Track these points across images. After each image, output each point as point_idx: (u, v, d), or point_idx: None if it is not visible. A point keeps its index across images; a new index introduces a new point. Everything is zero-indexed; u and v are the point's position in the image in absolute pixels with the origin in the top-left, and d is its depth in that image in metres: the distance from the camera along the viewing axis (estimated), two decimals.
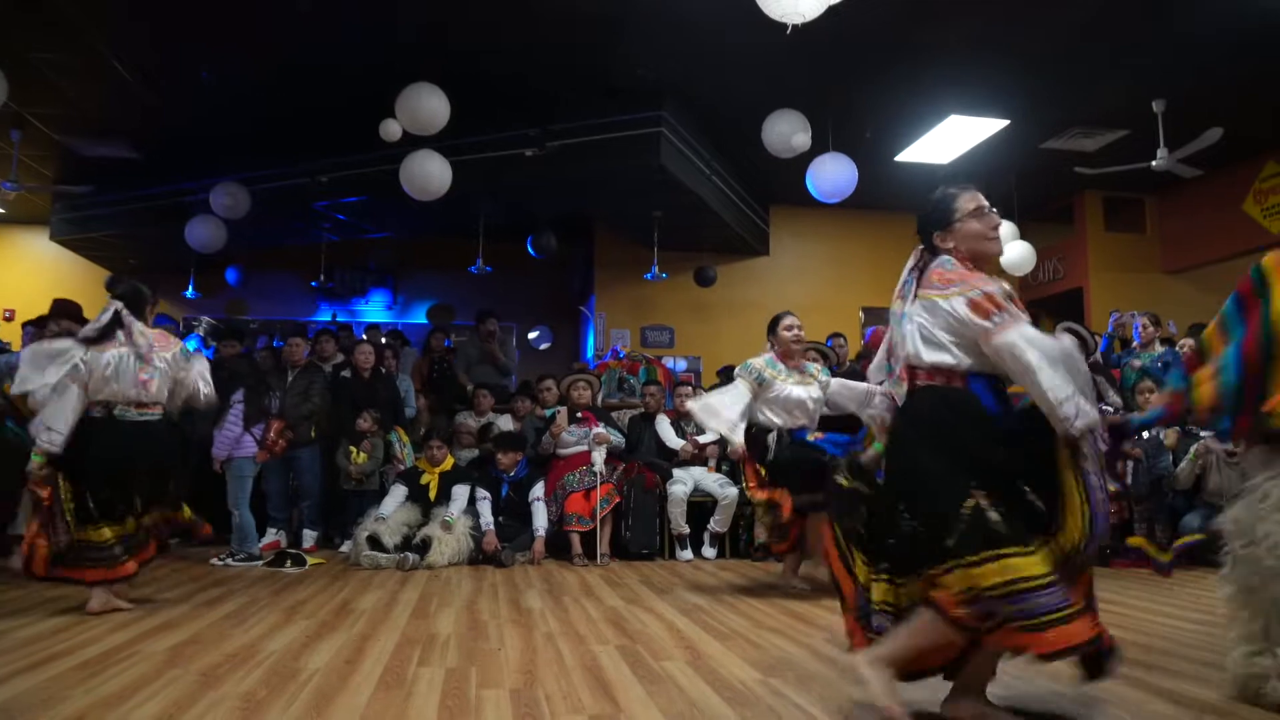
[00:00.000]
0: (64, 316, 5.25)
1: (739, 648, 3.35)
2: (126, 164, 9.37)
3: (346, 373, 7.40)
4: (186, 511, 4.54)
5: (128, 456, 4.19)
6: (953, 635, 2.25)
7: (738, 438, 4.74)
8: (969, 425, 2.34)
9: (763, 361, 4.95)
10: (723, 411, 4.74)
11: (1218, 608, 4.22)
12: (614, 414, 7.67)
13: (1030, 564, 2.14)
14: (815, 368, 5.11)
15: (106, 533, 4.12)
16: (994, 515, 2.19)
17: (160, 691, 2.69)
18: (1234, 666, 2.58)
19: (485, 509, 6.36)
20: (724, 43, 7.01)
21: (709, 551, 6.67)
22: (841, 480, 2.56)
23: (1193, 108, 7.94)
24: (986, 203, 2.60)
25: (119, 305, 4.29)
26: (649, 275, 10.33)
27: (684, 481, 6.68)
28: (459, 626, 3.81)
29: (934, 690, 2.45)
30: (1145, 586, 5.01)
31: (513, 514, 6.53)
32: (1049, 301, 11.69)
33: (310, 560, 6.05)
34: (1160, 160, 8.11)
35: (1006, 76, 7.71)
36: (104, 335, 4.20)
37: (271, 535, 6.96)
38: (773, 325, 5.11)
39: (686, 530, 6.59)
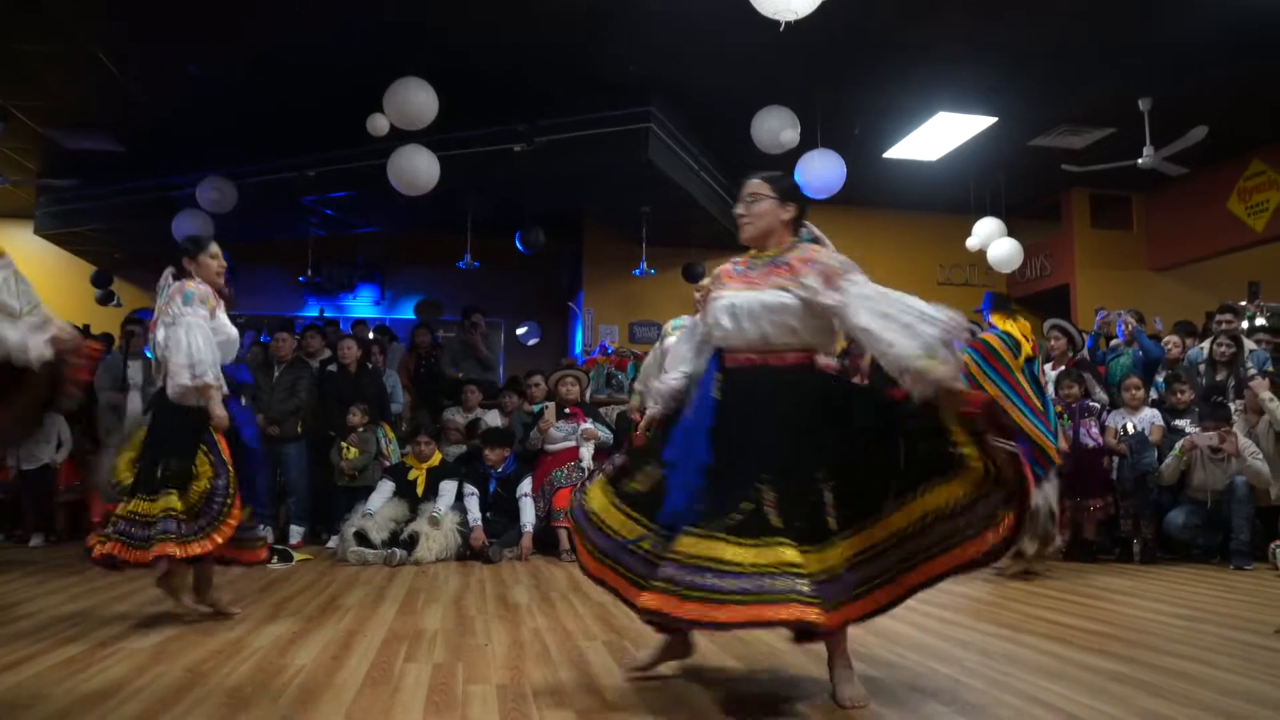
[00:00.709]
0: None
1: (726, 643, 3.35)
2: (112, 157, 9.31)
3: (333, 367, 7.38)
4: None
5: None
6: None
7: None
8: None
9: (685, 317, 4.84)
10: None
11: (1201, 602, 4.27)
12: (602, 409, 7.66)
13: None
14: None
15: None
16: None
17: (145, 688, 2.67)
18: None
19: (473, 505, 6.36)
20: (713, 39, 7.01)
21: None
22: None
23: (1178, 106, 7.98)
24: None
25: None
26: (637, 271, 10.33)
27: None
28: (446, 622, 3.80)
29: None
30: (1132, 581, 5.04)
31: (500, 510, 6.53)
32: (1036, 298, 11.75)
33: (297, 556, 6.03)
34: (1146, 158, 8.16)
35: (995, 74, 7.74)
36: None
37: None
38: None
39: None
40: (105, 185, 9.67)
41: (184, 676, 2.81)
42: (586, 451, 6.55)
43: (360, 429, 6.90)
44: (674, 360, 2.94)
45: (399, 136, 7.21)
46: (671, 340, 4.52)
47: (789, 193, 2.87)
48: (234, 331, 4.08)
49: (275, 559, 5.86)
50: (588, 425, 6.72)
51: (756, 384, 2.59)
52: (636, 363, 9.44)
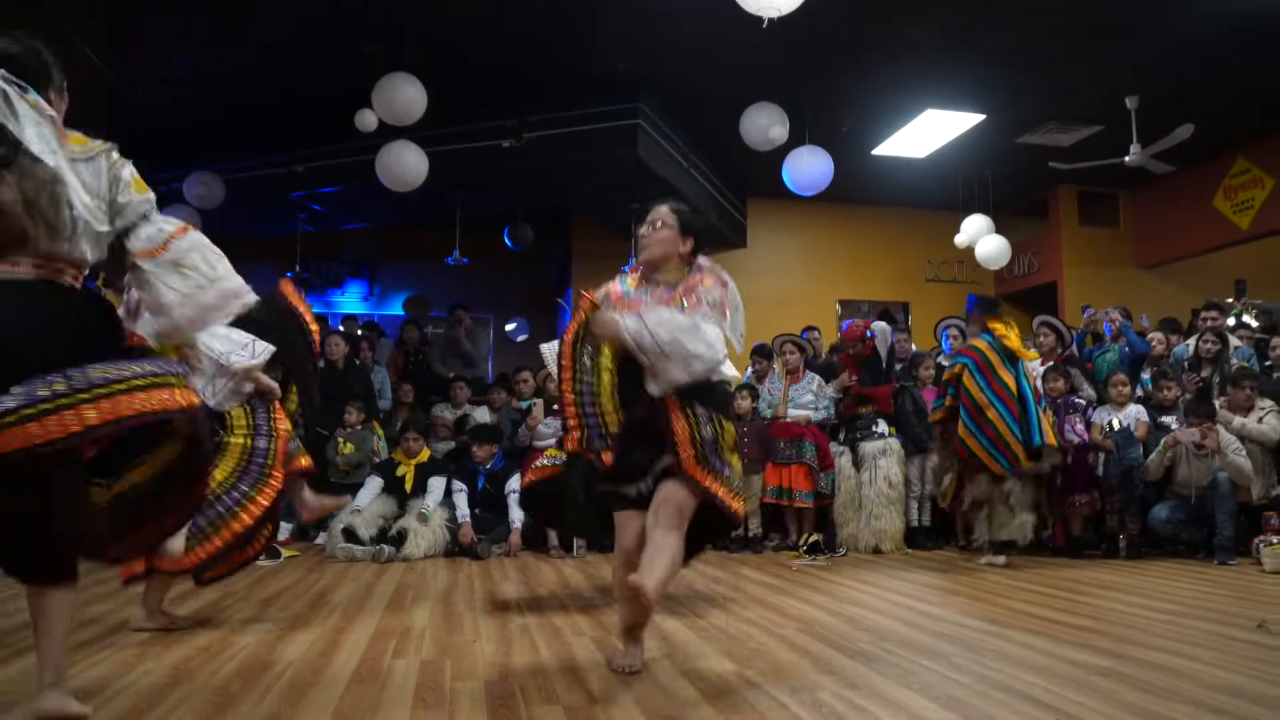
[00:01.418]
0: None
1: (714, 639, 3.37)
2: None
3: (320, 363, 7.35)
4: None
5: None
6: None
7: None
8: None
9: None
10: None
11: (1184, 597, 4.30)
12: None
13: None
14: None
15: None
16: None
17: (131, 685, 2.66)
18: None
19: (461, 501, 6.35)
20: (702, 35, 7.01)
21: None
22: None
23: (1165, 105, 8.02)
24: (655, 218, 3.12)
25: None
26: (626, 267, 10.29)
27: None
28: (434, 619, 3.80)
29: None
30: (1117, 576, 5.08)
31: (489, 506, 6.52)
32: (1023, 295, 11.79)
33: (285, 553, 6.01)
34: (1133, 156, 8.19)
35: (983, 71, 7.76)
36: None
37: None
38: None
39: None
40: None
41: (170, 674, 2.81)
42: None
43: (357, 426, 6.89)
44: None
45: (388, 132, 7.18)
46: None
47: (689, 227, 3.12)
48: None
49: (263, 556, 5.83)
50: None
51: None
52: None
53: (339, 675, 2.80)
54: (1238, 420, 5.95)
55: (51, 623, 2.16)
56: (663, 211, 3.09)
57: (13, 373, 2.00)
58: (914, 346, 7.83)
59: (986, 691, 2.59)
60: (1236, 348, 6.93)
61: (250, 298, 2.56)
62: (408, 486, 6.36)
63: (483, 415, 7.44)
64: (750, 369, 7.36)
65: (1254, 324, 8.14)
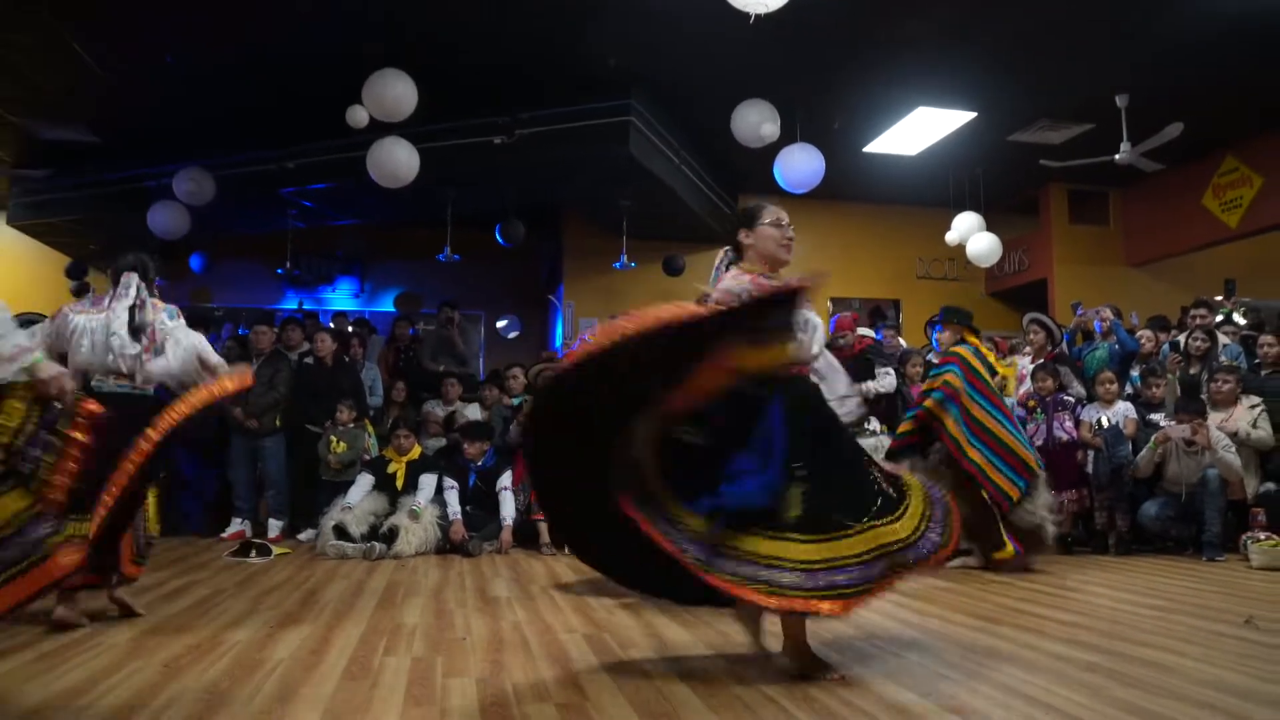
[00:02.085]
0: None
1: (705, 635, 3.37)
2: (86, 147, 9.20)
3: (309, 360, 7.35)
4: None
5: None
6: None
7: None
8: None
9: None
10: None
11: (1173, 593, 4.32)
12: None
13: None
14: None
15: None
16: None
17: (121, 684, 2.65)
18: None
19: (452, 498, 6.35)
20: (694, 32, 7.00)
21: None
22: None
23: (1155, 103, 8.05)
24: (787, 220, 3.21)
25: (138, 279, 4.07)
26: (618, 264, 10.32)
27: None
28: (426, 616, 3.80)
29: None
30: (1106, 573, 5.10)
31: (480, 503, 6.52)
32: (1014, 293, 11.84)
33: (276, 550, 6.00)
34: (1123, 154, 8.22)
35: (974, 69, 7.78)
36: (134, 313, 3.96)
37: (236, 525, 6.92)
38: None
39: None
40: (80, 176, 9.56)
41: (160, 672, 2.80)
42: None
43: (349, 425, 6.88)
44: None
45: (379, 128, 7.16)
46: None
47: None
48: None
49: (254, 553, 5.84)
50: None
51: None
52: None
53: (330, 673, 2.80)
54: (1232, 427, 5.97)
55: None
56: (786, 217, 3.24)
57: None
58: (903, 343, 7.85)
59: (976, 688, 2.61)
60: (1225, 345, 6.97)
61: None
62: (399, 484, 6.35)
63: (474, 412, 7.43)
64: None
65: (1242, 321, 8.18)
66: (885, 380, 6.58)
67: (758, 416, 2.70)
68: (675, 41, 7.23)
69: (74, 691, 2.56)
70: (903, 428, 5.54)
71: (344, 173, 8.30)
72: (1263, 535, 5.35)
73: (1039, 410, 6.21)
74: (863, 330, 7.04)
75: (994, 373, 5.52)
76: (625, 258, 10.26)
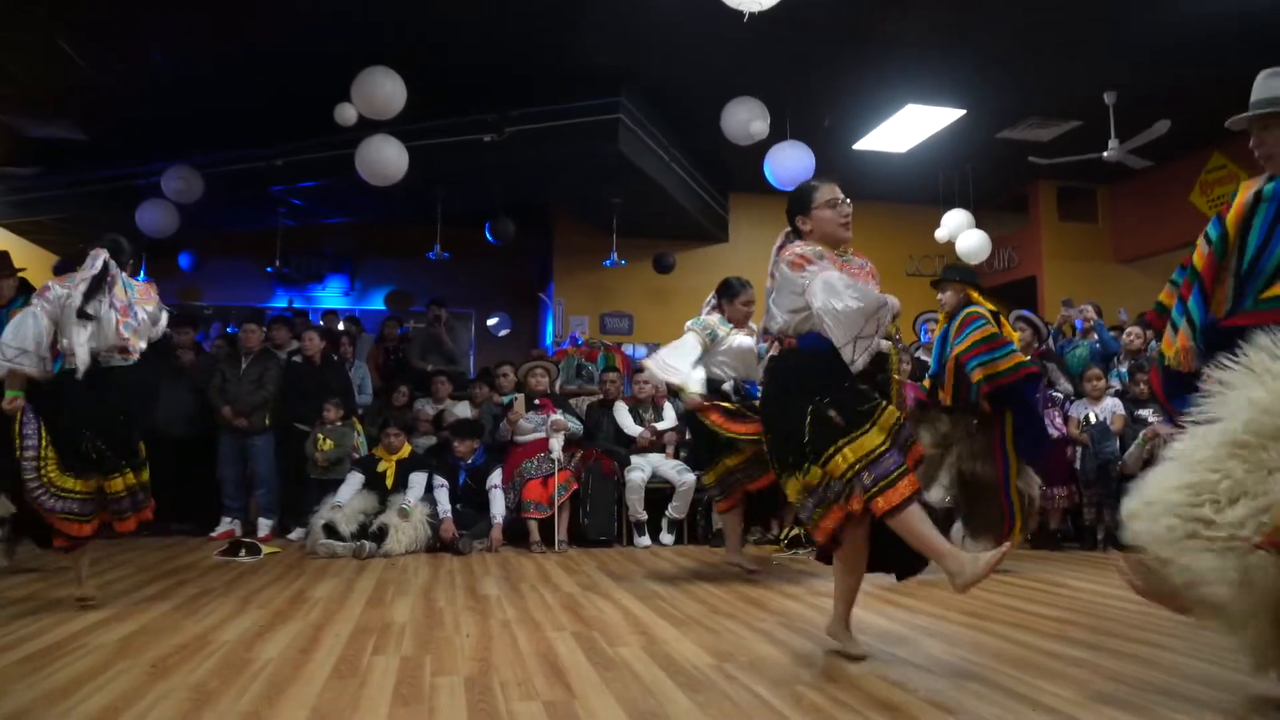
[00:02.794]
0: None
1: (694, 633, 3.38)
2: (74, 145, 9.15)
3: (298, 358, 7.33)
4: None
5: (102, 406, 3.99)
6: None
7: (694, 386, 4.70)
8: (816, 373, 2.97)
9: (716, 319, 4.93)
10: (677, 363, 4.68)
11: None
12: (572, 401, 7.67)
13: (870, 439, 2.82)
14: (753, 325, 5.10)
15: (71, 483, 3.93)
16: (832, 414, 2.85)
17: (108, 684, 2.64)
18: None
19: (443, 496, 6.34)
20: (683, 29, 7.00)
21: (666, 538, 6.70)
22: None
23: (1143, 101, 8.07)
24: (841, 194, 3.21)
25: (106, 255, 4.08)
26: (608, 262, 10.32)
27: (642, 468, 6.70)
28: (415, 614, 3.79)
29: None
30: (1095, 568, 5.13)
31: (470, 501, 6.52)
32: (1004, 289, 11.85)
33: (265, 549, 5.98)
34: (1111, 151, 8.25)
35: (963, 67, 7.79)
36: (95, 286, 3.99)
37: (226, 524, 6.90)
38: (729, 294, 5.00)
39: (644, 517, 6.62)
40: (68, 174, 9.52)
41: (148, 672, 2.79)
42: (556, 443, 6.54)
43: (336, 423, 6.86)
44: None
45: (368, 126, 7.15)
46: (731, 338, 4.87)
47: None
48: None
49: (243, 552, 5.82)
50: (557, 416, 6.71)
51: None
52: (607, 353, 9.44)
53: (318, 672, 2.80)
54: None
55: None
56: (840, 190, 3.26)
57: None
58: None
59: (962, 683, 2.62)
60: None
61: None
62: (389, 482, 6.33)
63: (463, 410, 7.42)
64: None
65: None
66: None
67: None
68: (665, 39, 7.23)
69: (59, 693, 2.55)
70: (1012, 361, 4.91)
71: (333, 171, 8.27)
72: None
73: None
74: None
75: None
76: (615, 255, 10.26)
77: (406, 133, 7.35)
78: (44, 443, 3.88)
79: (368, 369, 8.26)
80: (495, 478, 6.54)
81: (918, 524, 2.75)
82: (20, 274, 5.08)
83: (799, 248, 3.08)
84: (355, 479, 6.36)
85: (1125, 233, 11.35)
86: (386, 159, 7.22)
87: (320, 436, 6.77)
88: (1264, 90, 2.99)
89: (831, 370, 2.92)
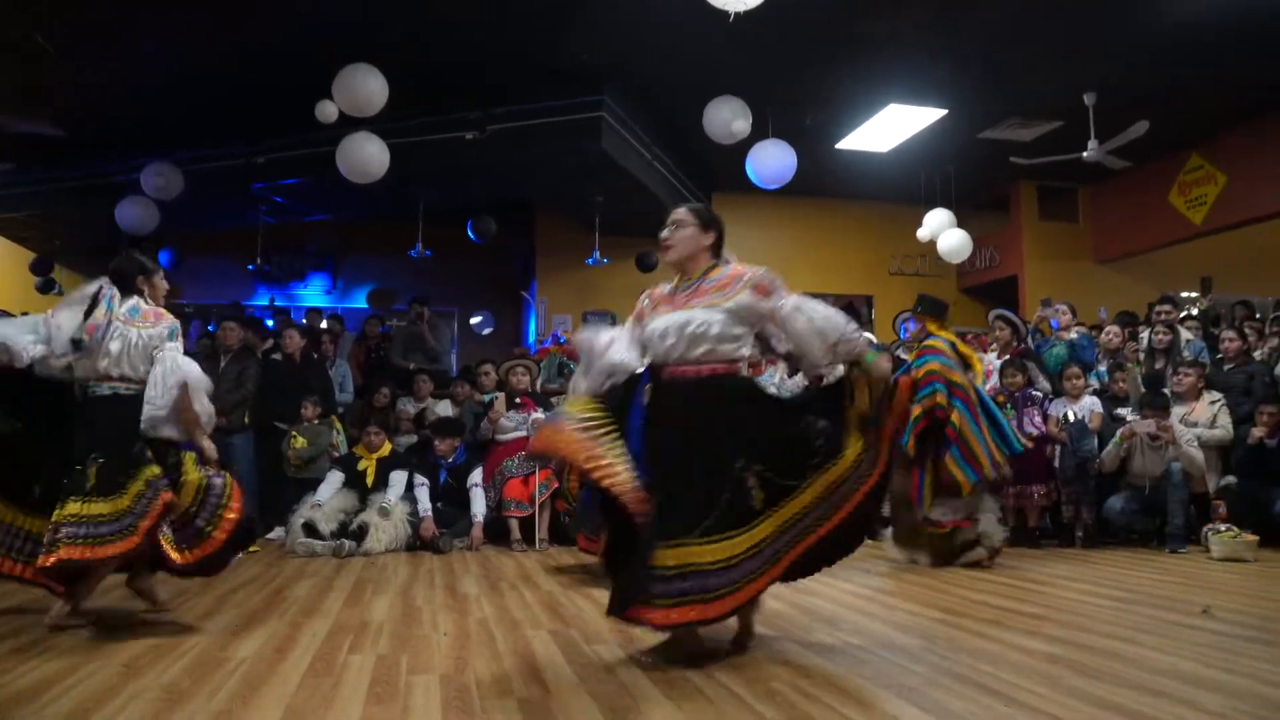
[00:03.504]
0: None
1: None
2: (50, 141, 9.07)
3: (277, 356, 7.29)
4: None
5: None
6: None
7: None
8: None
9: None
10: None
11: (1134, 584, 4.38)
12: (553, 399, 7.64)
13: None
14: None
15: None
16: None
17: (77, 685, 2.62)
18: None
19: (423, 495, 6.32)
20: (666, 28, 7.01)
21: None
22: None
23: (1122, 102, 8.14)
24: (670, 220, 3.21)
25: (103, 283, 3.79)
26: (591, 260, 10.31)
27: None
28: (393, 613, 3.78)
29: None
30: (1071, 565, 5.16)
31: (451, 500, 6.50)
32: (985, 289, 11.94)
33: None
34: (1091, 151, 8.31)
35: (945, 67, 7.83)
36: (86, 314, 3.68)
37: None
38: None
39: None
40: (44, 170, 9.43)
41: (119, 673, 2.77)
42: None
43: (313, 421, 6.83)
44: (614, 346, 3.14)
45: (349, 123, 7.11)
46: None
47: (710, 222, 3.21)
48: None
49: None
50: (538, 415, 6.70)
51: (682, 393, 2.95)
52: None
53: (293, 671, 2.78)
54: (1192, 433, 6.04)
55: None
56: (680, 213, 3.22)
57: None
58: (873, 339, 7.89)
59: (936, 679, 2.63)
60: (1189, 341, 7.06)
61: None
62: (369, 481, 6.31)
63: (445, 409, 7.40)
64: None
65: (1193, 311, 8.38)
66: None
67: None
68: (648, 38, 7.23)
69: (29, 694, 2.53)
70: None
71: (315, 168, 8.22)
72: (1223, 527, 5.43)
73: (1009, 405, 6.26)
74: None
75: (968, 366, 5.43)
76: (598, 254, 10.25)
77: (388, 130, 7.32)
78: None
79: (349, 367, 8.22)
80: (476, 476, 6.53)
81: None
82: None
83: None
84: (335, 477, 6.33)
85: (1105, 232, 11.44)
86: (368, 156, 7.19)
87: (294, 435, 6.73)
88: None
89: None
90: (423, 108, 7.86)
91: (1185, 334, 7.16)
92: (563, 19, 6.90)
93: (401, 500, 6.21)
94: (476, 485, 6.48)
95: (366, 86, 6.73)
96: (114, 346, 3.67)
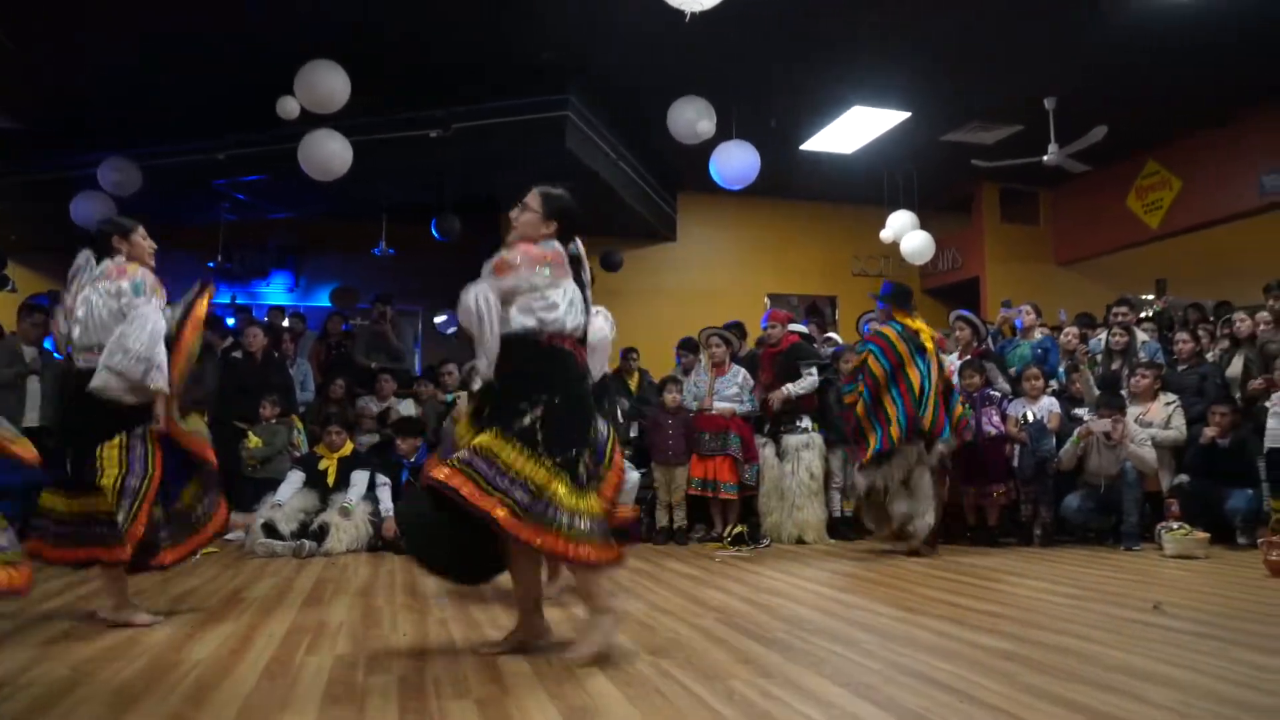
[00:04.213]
0: None
1: (631, 630, 3.38)
2: (4, 135, 8.88)
3: (238, 354, 7.20)
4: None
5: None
6: None
7: None
8: None
9: None
10: None
11: (1089, 581, 4.45)
12: None
13: None
14: None
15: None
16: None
17: (25, 688, 2.57)
18: None
19: (385, 495, 6.28)
20: (630, 28, 7.00)
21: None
22: None
23: (1081, 106, 8.26)
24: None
25: (86, 253, 3.71)
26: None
27: None
28: (352, 614, 3.75)
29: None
30: (1029, 564, 5.23)
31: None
32: (947, 290, 12.06)
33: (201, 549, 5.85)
34: (1051, 155, 8.42)
35: (908, 70, 7.91)
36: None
37: None
38: None
39: None
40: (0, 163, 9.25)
41: (69, 675, 2.72)
42: None
43: (272, 421, 6.75)
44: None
45: (311, 120, 7.04)
46: None
47: (555, 214, 3.20)
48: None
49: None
50: None
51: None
52: None
53: (248, 673, 2.75)
54: (1146, 433, 6.15)
55: None
56: (531, 195, 3.16)
57: None
58: (839, 339, 7.96)
59: (893, 676, 2.65)
60: (1144, 342, 7.19)
61: None
62: (330, 480, 6.25)
63: (408, 408, 7.35)
64: (677, 362, 7.42)
65: (1149, 313, 8.54)
66: (806, 381, 6.64)
67: None
68: (612, 37, 7.23)
69: None
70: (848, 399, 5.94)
71: (276, 165, 8.12)
72: (1175, 525, 5.53)
73: (967, 405, 6.34)
74: (794, 327, 7.09)
75: (923, 349, 5.55)
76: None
77: (351, 127, 7.24)
78: None
79: (310, 366, 8.14)
80: None
81: None
82: None
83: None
84: (296, 477, 6.26)
85: (1065, 235, 11.61)
86: (330, 153, 7.12)
87: (249, 434, 6.65)
88: None
89: None
90: (386, 105, 7.80)
91: (1141, 335, 7.28)
92: (527, 17, 6.88)
93: (363, 500, 6.16)
94: None
95: (328, 83, 6.66)
96: (80, 313, 3.54)
